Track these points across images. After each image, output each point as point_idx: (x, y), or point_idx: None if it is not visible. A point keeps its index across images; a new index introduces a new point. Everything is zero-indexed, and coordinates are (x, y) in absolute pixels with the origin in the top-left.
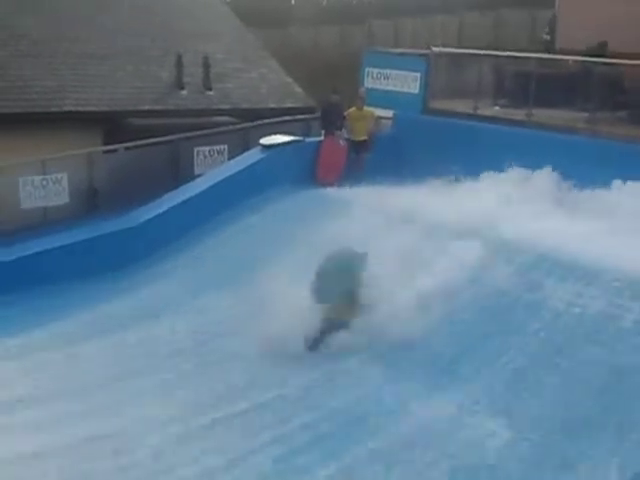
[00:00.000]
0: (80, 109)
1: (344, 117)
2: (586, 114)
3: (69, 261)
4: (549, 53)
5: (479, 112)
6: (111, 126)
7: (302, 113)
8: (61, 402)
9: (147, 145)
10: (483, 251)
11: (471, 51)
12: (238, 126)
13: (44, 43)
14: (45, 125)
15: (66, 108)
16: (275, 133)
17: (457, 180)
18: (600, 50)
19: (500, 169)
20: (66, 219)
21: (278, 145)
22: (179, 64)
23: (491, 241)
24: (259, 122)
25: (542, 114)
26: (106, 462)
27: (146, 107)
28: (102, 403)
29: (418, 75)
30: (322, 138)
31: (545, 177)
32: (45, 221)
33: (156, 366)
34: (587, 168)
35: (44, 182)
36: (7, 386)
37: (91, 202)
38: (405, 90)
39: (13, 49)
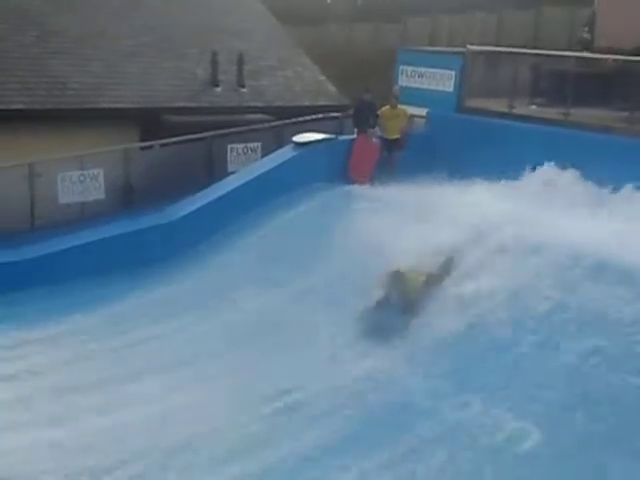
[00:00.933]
0: (116, 106)
1: (377, 115)
2: (625, 113)
3: (110, 254)
4: (588, 51)
5: (515, 111)
6: (147, 123)
7: (335, 111)
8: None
9: (182, 142)
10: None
11: (508, 49)
12: (272, 124)
13: (80, 40)
14: (82, 122)
15: (103, 105)
16: (308, 131)
17: (490, 179)
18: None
19: (535, 168)
20: (103, 214)
21: (311, 143)
22: (214, 61)
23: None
24: (292, 120)
25: (580, 113)
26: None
27: (181, 104)
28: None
29: (453, 73)
30: (355, 136)
31: (577, 179)
32: (82, 216)
33: None
34: (625, 167)
35: (81, 178)
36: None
37: (127, 198)
38: (440, 88)
39: (49, 46)
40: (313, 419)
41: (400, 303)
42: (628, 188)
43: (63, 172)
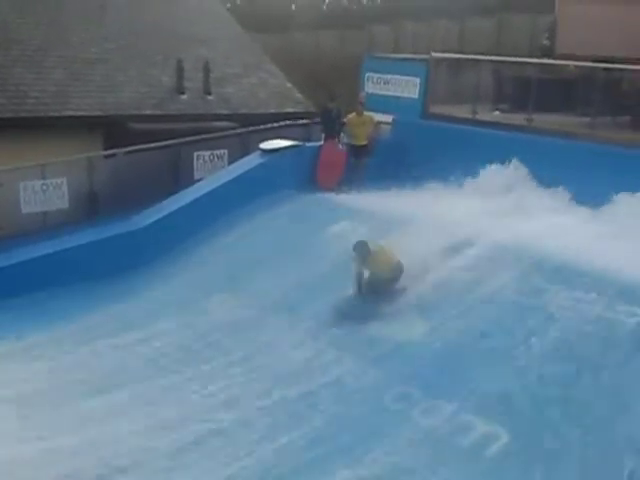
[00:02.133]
0: (80, 114)
1: (343, 122)
2: (587, 119)
3: (72, 265)
4: (549, 58)
5: (478, 117)
6: (111, 130)
7: (302, 118)
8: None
9: (147, 149)
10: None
11: (471, 56)
12: (238, 131)
13: (44, 48)
14: (45, 130)
15: (66, 113)
16: (275, 138)
17: (454, 184)
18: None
19: (498, 173)
20: (66, 224)
21: (278, 150)
22: (179, 69)
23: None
24: (259, 127)
25: (542, 119)
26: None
27: (147, 112)
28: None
29: (418, 80)
30: (322, 143)
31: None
32: (45, 226)
33: None
34: (586, 173)
35: (44, 187)
36: None
37: (91, 207)
38: (405, 95)
39: (11, 54)
40: None
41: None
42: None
43: (25, 181)
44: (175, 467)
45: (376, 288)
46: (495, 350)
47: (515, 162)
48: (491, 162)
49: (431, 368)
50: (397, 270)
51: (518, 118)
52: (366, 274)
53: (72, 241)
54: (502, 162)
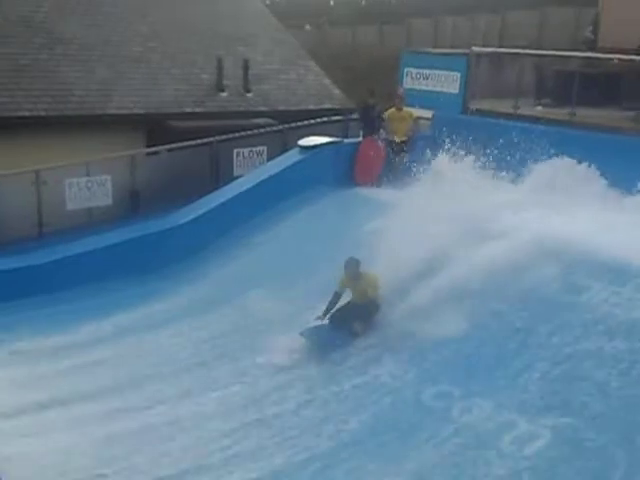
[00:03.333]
0: (123, 112)
1: (382, 118)
2: (631, 113)
3: (112, 261)
4: (592, 51)
5: (520, 112)
6: (153, 128)
7: (340, 114)
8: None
9: (188, 147)
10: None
11: (513, 50)
12: (277, 127)
13: (88, 47)
14: (89, 128)
15: (109, 111)
16: (313, 134)
17: (495, 180)
18: None
19: (541, 169)
20: (109, 220)
21: (316, 146)
22: (219, 67)
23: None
24: (298, 123)
25: (586, 113)
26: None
27: (187, 109)
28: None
29: (458, 75)
30: (360, 139)
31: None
32: (89, 222)
33: None
34: (632, 167)
35: (89, 184)
36: None
37: (133, 204)
38: (445, 90)
39: (57, 53)
40: None
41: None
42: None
43: (70, 178)
44: None
45: (346, 317)
46: (537, 347)
47: (558, 157)
48: (533, 157)
49: (470, 365)
50: (374, 305)
51: (561, 113)
52: (344, 298)
53: (114, 238)
54: (545, 157)
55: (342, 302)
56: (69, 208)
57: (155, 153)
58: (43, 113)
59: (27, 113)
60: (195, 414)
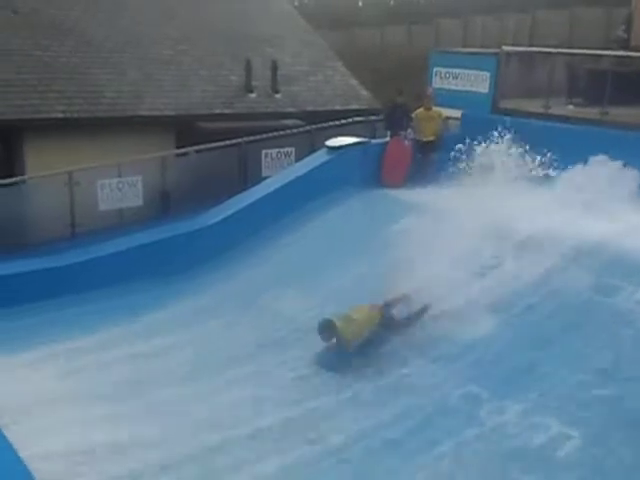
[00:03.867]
0: (153, 114)
1: (410, 118)
2: None
3: (142, 262)
4: (624, 50)
5: (551, 111)
6: (183, 130)
7: (368, 115)
8: None
9: (217, 148)
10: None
11: (544, 49)
12: (304, 128)
13: (118, 49)
14: (120, 129)
15: (140, 112)
16: (341, 135)
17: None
18: None
19: (571, 169)
20: (140, 221)
21: (344, 147)
22: (248, 68)
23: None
24: (325, 124)
25: (618, 112)
26: None
27: (216, 111)
28: None
29: (488, 74)
30: (388, 139)
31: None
32: (121, 222)
33: None
34: None
35: (120, 185)
36: None
37: (163, 204)
38: (474, 90)
39: (87, 56)
40: None
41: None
42: None
43: (102, 180)
44: None
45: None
46: (567, 349)
47: (590, 157)
48: (564, 157)
49: (500, 367)
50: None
51: (593, 112)
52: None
53: (144, 238)
54: (576, 157)
55: None
56: (101, 209)
57: (184, 154)
58: (75, 115)
59: (60, 115)
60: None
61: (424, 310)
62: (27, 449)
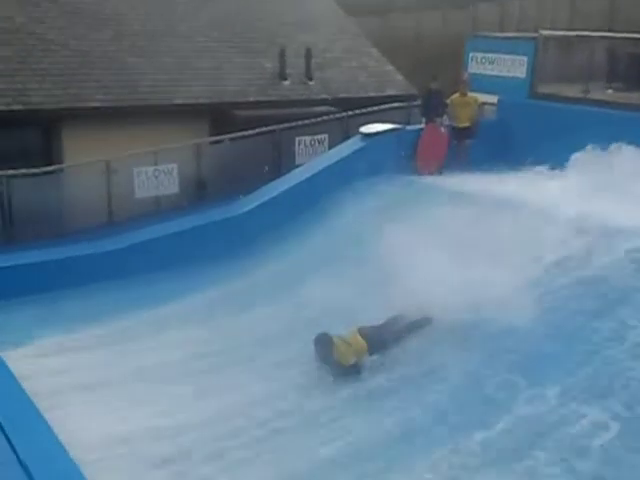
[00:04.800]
0: (189, 102)
1: (445, 104)
2: None
3: (177, 249)
4: None
5: (590, 96)
6: (217, 117)
7: (403, 101)
8: None
9: (251, 136)
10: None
11: (583, 33)
12: (338, 115)
13: (155, 38)
14: (156, 118)
15: (176, 101)
16: (375, 121)
17: (563, 167)
18: None
19: (611, 155)
20: (176, 208)
21: (378, 133)
22: (282, 55)
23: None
24: (359, 111)
25: None
26: None
27: (251, 98)
28: None
29: (525, 59)
30: (423, 126)
31: None
32: (157, 210)
33: None
34: None
35: (156, 173)
36: None
37: (199, 191)
38: (511, 75)
39: (124, 44)
40: None
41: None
42: None
43: (139, 167)
44: None
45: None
46: (608, 334)
47: (630, 143)
48: (604, 143)
49: (537, 355)
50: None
51: (633, 96)
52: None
53: (180, 225)
54: (616, 143)
55: None
56: (138, 196)
57: (219, 142)
58: (112, 104)
59: (97, 104)
60: None
61: (421, 324)
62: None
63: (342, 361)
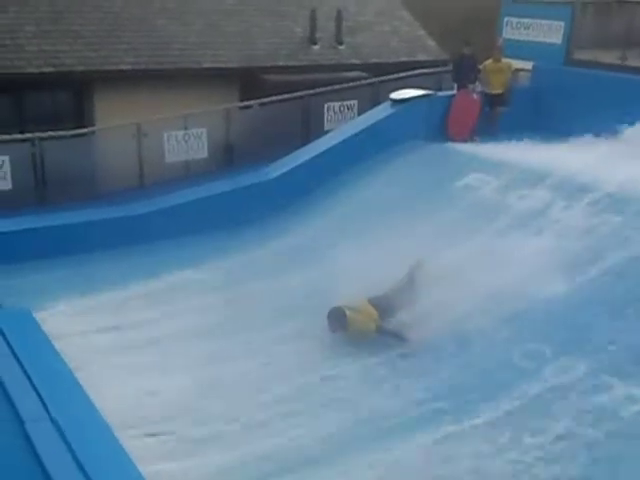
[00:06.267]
0: (218, 65)
1: (478, 70)
2: None
3: (205, 214)
4: None
5: (628, 63)
6: (246, 82)
7: (434, 66)
8: None
9: (280, 101)
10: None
11: None
12: (368, 81)
13: (183, 0)
14: (185, 81)
15: (205, 64)
16: (406, 87)
17: (600, 136)
18: None
19: None
20: (206, 173)
21: (409, 100)
22: (312, 19)
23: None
24: (390, 76)
25: None
26: None
27: (280, 63)
28: None
29: (562, 24)
30: (455, 92)
31: None
32: (187, 174)
33: None
34: None
35: (186, 137)
36: None
37: (227, 157)
38: (547, 40)
39: (153, 6)
40: None
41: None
42: None
43: (169, 131)
44: None
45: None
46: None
47: None
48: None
49: (567, 326)
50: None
51: None
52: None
53: (209, 190)
54: None
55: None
56: (168, 161)
57: (247, 107)
58: (143, 66)
59: (128, 67)
60: None
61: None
62: None
63: (364, 328)
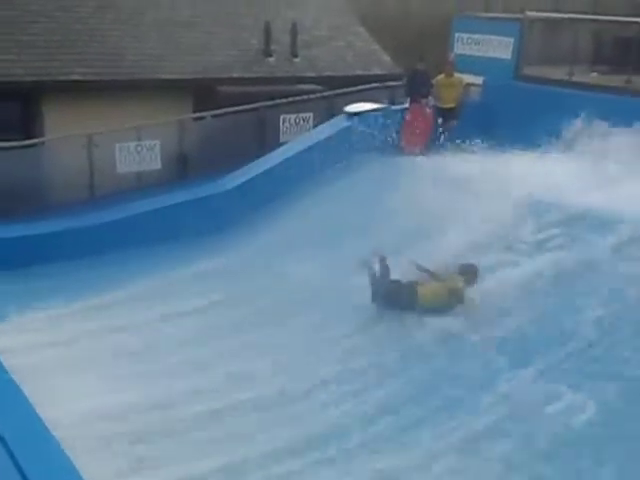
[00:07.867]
0: (173, 77)
1: (431, 84)
2: None
3: (158, 225)
4: None
5: (575, 79)
6: (201, 93)
7: (389, 80)
8: None
9: (234, 112)
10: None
11: (569, 15)
12: (324, 93)
13: (138, 12)
14: (139, 92)
15: (159, 76)
16: (360, 101)
17: (547, 149)
18: None
19: (594, 138)
20: (158, 184)
21: (363, 112)
22: (267, 31)
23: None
24: (344, 90)
25: None
26: None
27: (235, 75)
28: None
29: (511, 40)
30: (408, 105)
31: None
32: (139, 185)
33: None
34: None
35: (139, 148)
36: None
37: (181, 168)
38: (497, 56)
39: (108, 17)
40: None
41: None
42: None
43: (121, 142)
44: None
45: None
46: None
47: (613, 126)
48: (587, 126)
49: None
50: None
51: (617, 80)
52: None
53: (163, 202)
54: (599, 126)
55: None
56: (119, 172)
57: (201, 118)
58: (95, 77)
59: (80, 77)
60: None
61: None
62: None
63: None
